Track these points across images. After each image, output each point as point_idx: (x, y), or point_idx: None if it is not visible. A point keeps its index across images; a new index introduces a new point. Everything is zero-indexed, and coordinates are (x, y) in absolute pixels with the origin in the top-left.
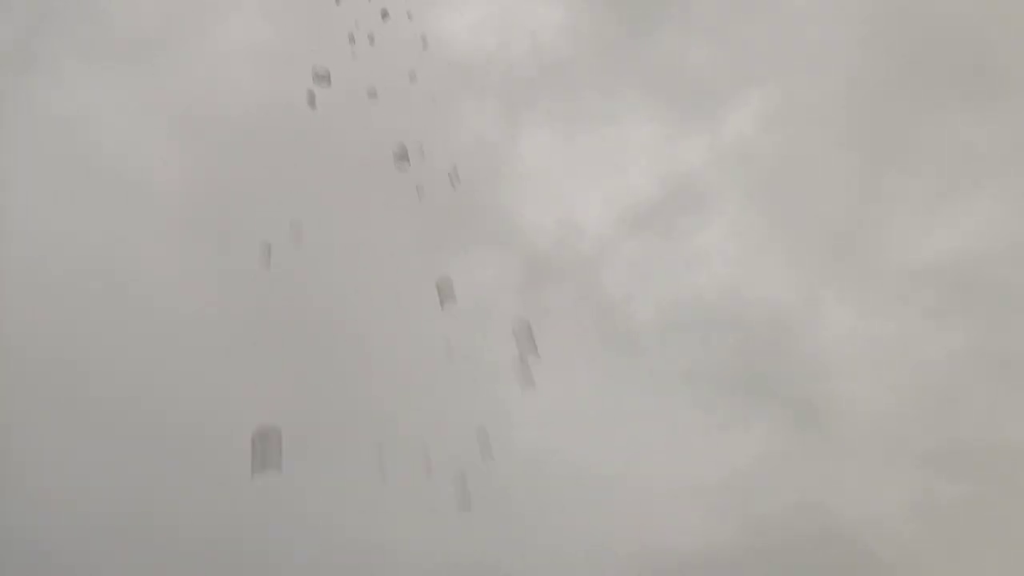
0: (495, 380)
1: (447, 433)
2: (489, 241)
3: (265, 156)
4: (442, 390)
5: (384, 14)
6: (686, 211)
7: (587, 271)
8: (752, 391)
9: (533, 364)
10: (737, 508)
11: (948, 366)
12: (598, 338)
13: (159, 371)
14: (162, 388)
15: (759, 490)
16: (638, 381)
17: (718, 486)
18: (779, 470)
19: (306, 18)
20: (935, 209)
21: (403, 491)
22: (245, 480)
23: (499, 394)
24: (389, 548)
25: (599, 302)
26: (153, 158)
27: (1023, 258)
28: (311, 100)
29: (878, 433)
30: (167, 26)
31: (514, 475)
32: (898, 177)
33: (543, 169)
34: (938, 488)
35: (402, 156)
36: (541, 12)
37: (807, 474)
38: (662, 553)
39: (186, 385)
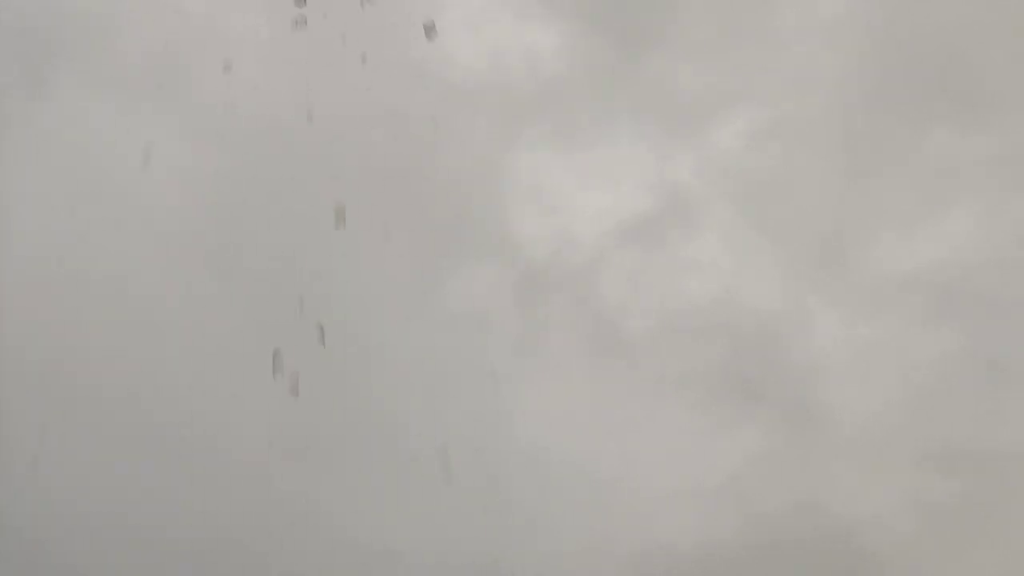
0: (495, 386)
1: (447, 436)
2: (487, 253)
3: (269, 176)
4: (443, 395)
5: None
6: (678, 223)
7: (582, 281)
8: (746, 395)
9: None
10: (733, 508)
11: (936, 370)
12: (594, 345)
13: (165, 380)
14: (170, 395)
15: (755, 490)
16: (634, 386)
17: (714, 487)
18: (774, 471)
19: (315, 44)
20: (919, 220)
21: (402, 492)
22: (249, 483)
23: (498, 399)
24: (387, 548)
25: (595, 310)
26: (161, 183)
27: (1005, 266)
28: None
29: (870, 434)
30: (177, 55)
31: (513, 477)
32: (883, 189)
33: (539, 185)
34: (930, 487)
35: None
36: (537, 36)
37: (802, 474)
38: (660, 552)
39: (193, 392)
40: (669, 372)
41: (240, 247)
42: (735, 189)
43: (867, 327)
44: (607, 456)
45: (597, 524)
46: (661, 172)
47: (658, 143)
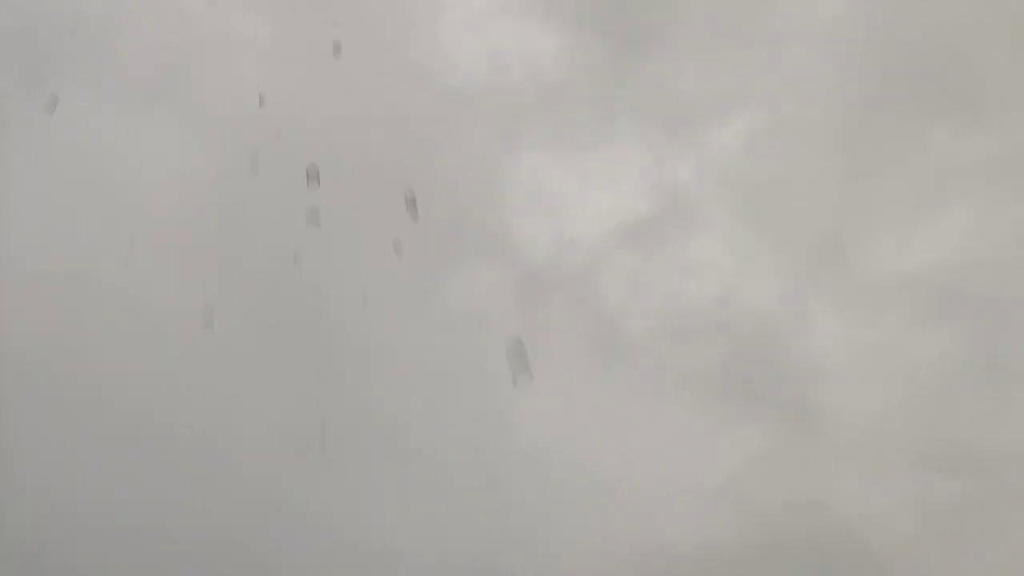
0: (495, 388)
1: (448, 437)
2: (488, 254)
3: (269, 177)
4: (443, 397)
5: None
6: (678, 224)
7: (582, 282)
8: (746, 395)
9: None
10: (734, 507)
11: (935, 370)
12: (594, 345)
13: (167, 380)
14: (172, 395)
15: (755, 489)
16: (634, 387)
17: (715, 486)
18: (775, 470)
19: (316, 54)
20: (918, 220)
21: (404, 493)
22: (250, 484)
23: (500, 401)
24: (389, 548)
25: (595, 311)
26: (161, 183)
27: (1004, 267)
28: None
29: (870, 434)
30: (177, 58)
31: (513, 477)
32: (882, 190)
33: (539, 186)
34: (931, 486)
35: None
36: (537, 38)
37: (802, 474)
38: (660, 552)
39: (195, 393)
40: (669, 373)
41: (241, 248)
42: (735, 190)
43: (866, 327)
44: (608, 455)
45: (597, 524)
46: (661, 173)
47: (658, 144)
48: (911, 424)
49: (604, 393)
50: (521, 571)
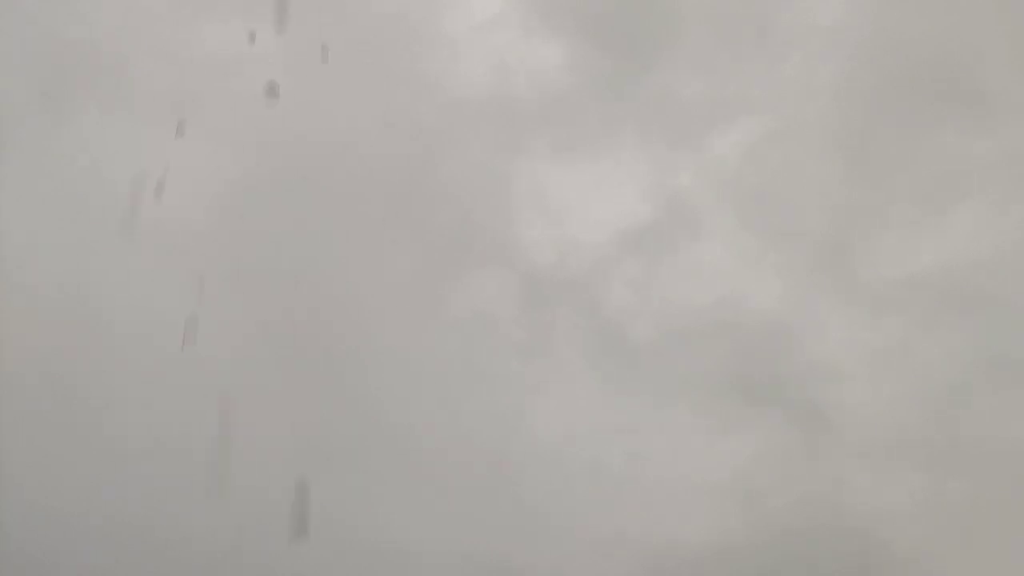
0: (503, 391)
1: (457, 439)
2: (493, 260)
3: (279, 187)
4: (451, 400)
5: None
6: (682, 229)
7: (587, 286)
8: (752, 395)
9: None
10: (744, 506)
11: (944, 369)
12: (601, 348)
13: (177, 382)
14: (180, 399)
15: (765, 488)
16: (642, 389)
17: (725, 485)
18: (784, 469)
19: (322, 67)
20: (923, 222)
21: (415, 494)
22: (257, 488)
23: (508, 403)
24: (400, 545)
25: (600, 315)
26: (171, 204)
27: (1009, 266)
28: None
29: (879, 434)
30: (187, 83)
31: (524, 478)
32: (887, 192)
33: (543, 193)
34: (941, 485)
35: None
36: (541, 49)
37: (811, 473)
38: (671, 549)
39: (205, 396)
40: (676, 374)
41: (250, 255)
42: (738, 194)
43: (874, 328)
44: (617, 456)
45: (608, 522)
46: (664, 179)
47: (661, 151)
48: (920, 423)
49: (612, 395)
50: (532, 569)
